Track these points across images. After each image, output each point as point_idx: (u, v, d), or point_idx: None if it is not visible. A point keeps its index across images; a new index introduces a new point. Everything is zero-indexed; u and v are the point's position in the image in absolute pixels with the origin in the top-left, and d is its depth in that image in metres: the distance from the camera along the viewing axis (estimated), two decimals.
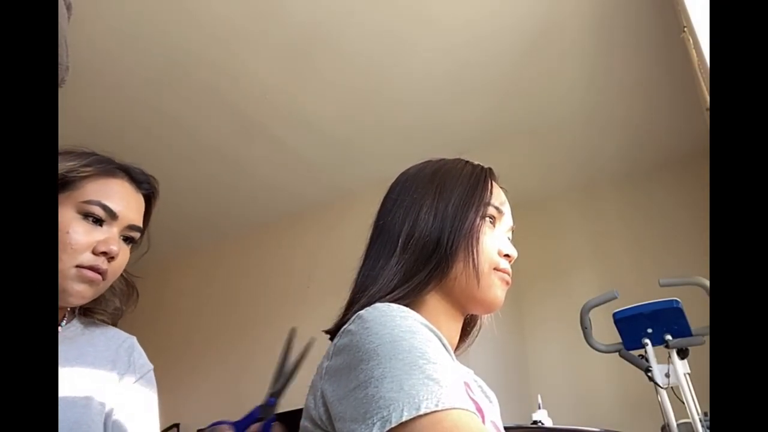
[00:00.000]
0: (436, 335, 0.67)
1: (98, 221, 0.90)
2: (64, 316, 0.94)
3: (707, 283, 1.91)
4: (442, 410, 0.55)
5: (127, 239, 0.94)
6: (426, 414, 0.54)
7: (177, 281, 3.90)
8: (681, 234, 3.02)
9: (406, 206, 0.80)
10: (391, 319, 0.63)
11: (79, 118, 2.65)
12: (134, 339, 1.01)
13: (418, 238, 0.77)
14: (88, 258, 0.88)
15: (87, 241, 0.88)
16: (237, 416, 1.40)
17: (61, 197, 0.89)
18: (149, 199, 1.01)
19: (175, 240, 3.84)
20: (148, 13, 2.23)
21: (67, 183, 0.90)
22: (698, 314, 1.89)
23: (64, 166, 0.90)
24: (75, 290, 0.87)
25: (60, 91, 0.89)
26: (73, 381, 0.89)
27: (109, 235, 0.90)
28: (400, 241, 0.77)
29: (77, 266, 0.87)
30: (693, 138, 2.94)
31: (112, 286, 0.96)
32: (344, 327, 0.67)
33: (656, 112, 2.83)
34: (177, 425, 3.29)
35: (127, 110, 2.70)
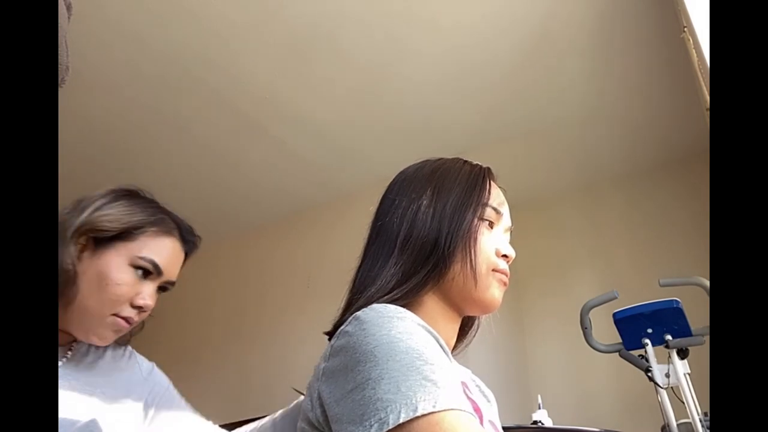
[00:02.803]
0: (433, 336, 0.67)
1: (146, 275, 0.93)
2: (72, 344, 0.97)
3: (707, 283, 1.91)
4: (439, 411, 0.55)
5: (160, 289, 0.98)
6: (423, 415, 0.54)
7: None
8: (681, 234, 3.02)
9: (404, 206, 0.79)
10: (388, 320, 0.63)
11: (79, 118, 2.65)
12: (129, 347, 1.06)
13: (416, 239, 0.76)
14: (127, 311, 0.91)
15: (130, 293, 0.91)
16: (238, 415, 1.39)
17: (119, 245, 0.92)
18: (187, 257, 1.05)
19: None
20: (148, 13, 2.22)
21: (129, 234, 0.93)
22: (698, 314, 1.89)
23: (132, 219, 0.93)
24: (103, 335, 0.91)
25: (60, 91, 0.89)
26: (82, 400, 0.92)
27: (149, 291, 0.94)
28: (398, 241, 0.77)
29: (114, 315, 0.90)
30: (693, 138, 2.94)
31: None
32: (341, 328, 0.66)
33: (656, 112, 2.83)
34: None
35: (127, 110, 2.70)
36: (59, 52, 0.97)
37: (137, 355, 1.07)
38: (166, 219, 0.98)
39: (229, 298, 3.63)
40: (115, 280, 0.90)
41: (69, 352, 0.95)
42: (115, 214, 0.93)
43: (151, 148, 2.95)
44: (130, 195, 0.97)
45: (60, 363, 0.92)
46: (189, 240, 1.02)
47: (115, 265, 0.91)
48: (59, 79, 1.00)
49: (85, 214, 0.91)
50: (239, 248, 3.74)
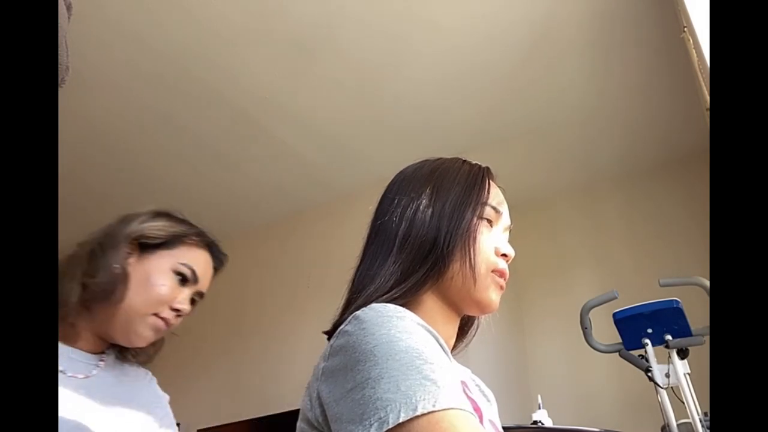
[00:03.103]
0: (433, 335, 0.67)
1: (184, 281, 1.04)
2: (109, 346, 1.05)
3: (707, 283, 1.91)
4: (439, 410, 0.55)
5: (191, 300, 1.07)
6: (423, 414, 0.54)
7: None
8: (681, 234, 3.02)
9: (403, 206, 0.79)
10: (388, 319, 0.63)
11: (79, 118, 2.65)
12: (150, 373, 1.14)
13: (414, 238, 0.76)
14: (166, 312, 1.01)
15: (170, 296, 1.02)
16: (236, 415, 1.40)
17: (162, 252, 1.04)
18: (215, 273, 1.15)
19: None
20: (148, 13, 2.23)
21: (172, 243, 1.05)
22: (698, 314, 1.89)
23: (176, 230, 1.06)
24: (143, 334, 1.00)
25: (60, 91, 0.89)
26: (109, 411, 0.99)
27: (185, 296, 1.04)
28: (397, 241, 0.77)
29: (155, 314, 1.00)
30: (693, 138, 2.94)
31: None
32: (341, 328, 0.66)
33: (656, 112, 2.83)
34: (177, 424, 3.29)
35: (127, 110, 2.70)
36: (59, 52, 0.97)
37: (156, 382, 1.15)
38: (202, 233, 1.10)
39: (229, 298, 3.63)
40: (160, 281, 1.01)
41: (101, 362, 1.02)
42: (161, 226, 1.05)
43: (151, 148, 2.95)
44: (168, 214, 1.09)
45: (94, 372, 1.00)
46: (218, 257, 1.13)
47: (159, 269, 1.02)
48: (59, 79, 1.00)
49: (133, 225, 1.04)
50: (239, 248, 3.73)
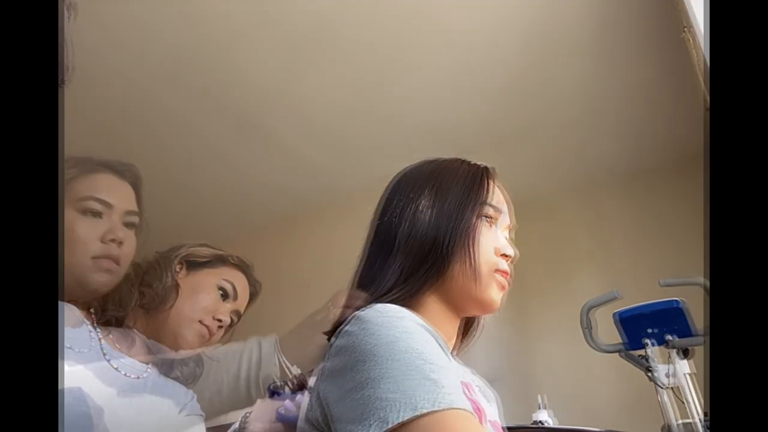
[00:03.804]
0: (433, 336, 0.67)
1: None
2: (150, 364, 1.12)
3: (707, 283, 1.91)
4: (439, 410, 0.55)
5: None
6: (423, 414, 0.54)
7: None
8: (681, 234, 3.01)
9: (403, 206, 0.79)
10: (389, 320, 0.63)
11: (79, 118, 2.65)
12: (191, 392, 1.20)
13: (415, 238, 0.76)
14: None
15: (213, 306, 1.15)
16: (237, 415, 1.42)
17: (207, 270, 1.19)
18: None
19: (171, 242, 3.83)
20: (147, 12, 2.22)
21: (216, 263, 1.20)
22: (698, 314, 1.89)
23: (218, 252, 1.20)
24: (189, 338, 1.11)
25: (61, 91, 0.89)
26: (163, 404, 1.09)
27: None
28: (397, 241, 0.77)
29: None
30: (693, 138, 2.93)
31: (198, 356, 1.18)
32: (342, 328, 0.66)
33: (657, 112, 2.83)
34: None
35: (128, 110, 2.70)
36: (62, 52, 0.97)
37: (196, 398, 1.22)
38: (240, 258, 1.26)
39: None
40: (206, 291, 1.15)
41: (148, 370, 1.10)
42: (205, 249, 1.22)
43: (152, 147, 2.95)
44: (209, 244, 1.25)
45: (144, 374, 1.08)
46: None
47: (205, 283, 1.16)
48: (62, 79, 1.00)
49: (182, 249, 1.19)
50: (239, 249, 3.72)
